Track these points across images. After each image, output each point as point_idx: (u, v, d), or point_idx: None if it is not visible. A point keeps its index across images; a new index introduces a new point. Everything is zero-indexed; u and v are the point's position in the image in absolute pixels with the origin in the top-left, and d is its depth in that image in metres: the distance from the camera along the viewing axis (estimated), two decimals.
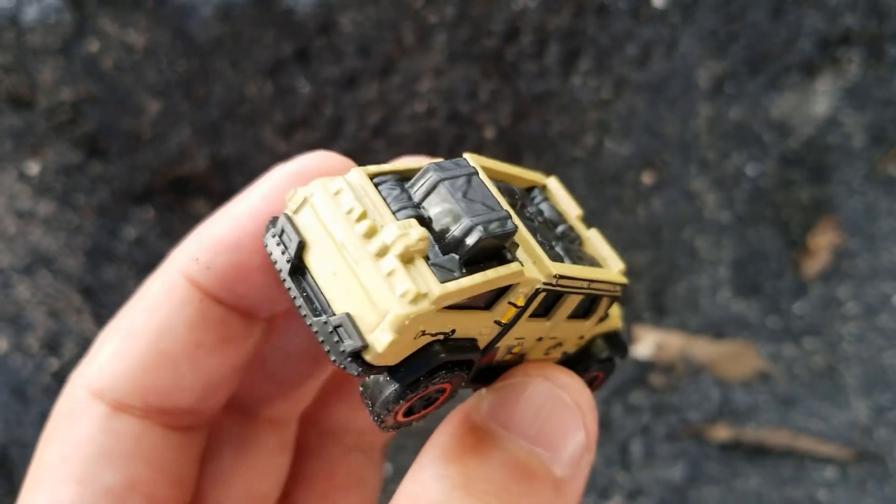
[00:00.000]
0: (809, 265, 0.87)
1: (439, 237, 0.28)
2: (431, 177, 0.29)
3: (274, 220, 0.30)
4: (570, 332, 0.36)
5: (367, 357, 0.27)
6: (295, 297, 0.28)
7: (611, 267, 0.36)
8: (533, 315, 0.32)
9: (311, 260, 0.28)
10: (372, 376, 0.29)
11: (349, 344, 0.27)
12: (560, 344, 0.36)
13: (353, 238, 0.27)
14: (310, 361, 0.42)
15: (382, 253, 0.27)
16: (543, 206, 0.37)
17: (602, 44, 0.81)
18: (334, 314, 0.27)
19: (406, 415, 0.30)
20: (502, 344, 0.32)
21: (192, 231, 0.36)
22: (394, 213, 0.28)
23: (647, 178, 0.85)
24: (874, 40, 0.83)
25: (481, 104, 0.82)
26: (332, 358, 0.27)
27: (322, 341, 0.27)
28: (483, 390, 0.34)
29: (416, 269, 0.27)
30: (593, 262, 0.36)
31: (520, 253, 0.30)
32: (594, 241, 0.37)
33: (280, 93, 0.81)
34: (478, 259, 0.28)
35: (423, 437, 0.32)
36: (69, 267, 0.84)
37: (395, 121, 0.82)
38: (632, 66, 0.82)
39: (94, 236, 0.83)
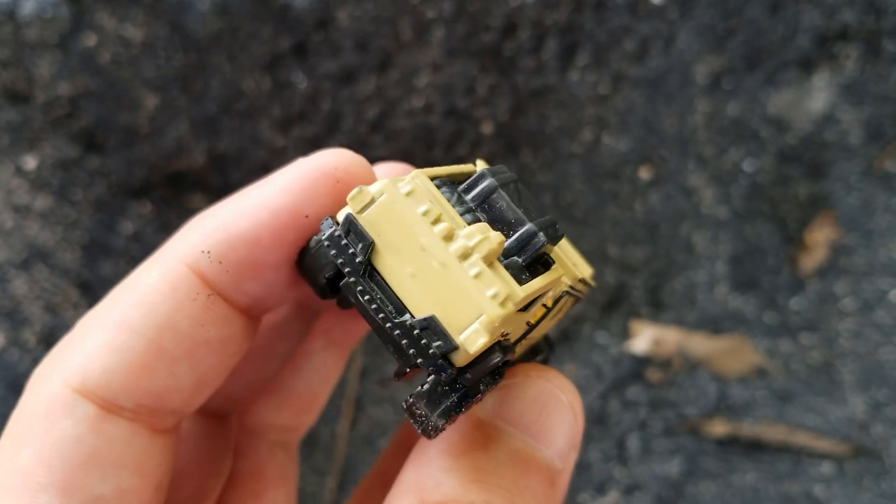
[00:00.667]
0: (806, 261, 0.87)
1: None
2: (489, 182, 0.30)
3: (331, 219, 0.29)
4: (542, 331, 0.36)
5: (455, 358, 0.27)
6: (369, 299, 0.28)
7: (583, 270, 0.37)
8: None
9: (382, 261, 0.28)
10: (425, 386, 0.29)
11: (439, 345, 0.27)
12: (531, 343, 0.37)
13: (434, 239, 0.27)
14: (262, 359, 0.41)
15: (466, 255, 0.27)
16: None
17: (600, 39, 0.81)
18: (413, 316, 0.27)
19: None
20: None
21: (191, 221, 0.35)
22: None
23: (645, 174, 0.85)
24: (872, 36, 0.83)
25: (479, 99, 0.82)
26: (418, 360, 0.27)
27: (404, 343, 0.27)
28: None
29: (498, 272, 0.27)
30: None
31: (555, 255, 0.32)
32: (564, 247, 0.37)
33: (277, 87, 0.81)
34: (532, 263, 0.29)
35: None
36: (66, 261, 0.84)
37: (392, 116, 0.82)
38: (629, 62, 0.82)
39: (91, 231, 0.83)
